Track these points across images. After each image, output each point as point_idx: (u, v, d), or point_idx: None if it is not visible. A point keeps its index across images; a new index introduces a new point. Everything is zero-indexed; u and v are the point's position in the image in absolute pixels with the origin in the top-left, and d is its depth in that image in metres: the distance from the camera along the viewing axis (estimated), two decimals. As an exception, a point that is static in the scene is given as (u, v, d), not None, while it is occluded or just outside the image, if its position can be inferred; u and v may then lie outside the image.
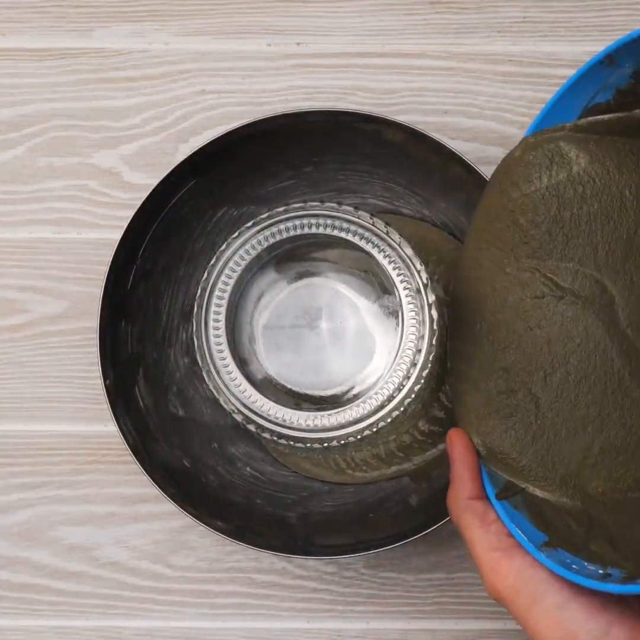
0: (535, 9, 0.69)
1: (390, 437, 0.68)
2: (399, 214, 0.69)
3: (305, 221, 0.62)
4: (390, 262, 0.63)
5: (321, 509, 0.67)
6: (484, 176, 0.62)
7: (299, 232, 0.62)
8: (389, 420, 0.63)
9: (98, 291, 0.63)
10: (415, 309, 0.63)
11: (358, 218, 0.60)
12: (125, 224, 0.63)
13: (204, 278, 0.61)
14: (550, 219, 0.56)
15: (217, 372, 0.62)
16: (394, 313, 0.66)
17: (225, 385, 0.62)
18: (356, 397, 0.65)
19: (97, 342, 0.64)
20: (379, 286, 0.66)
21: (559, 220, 0.56)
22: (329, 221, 0.63)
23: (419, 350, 0.63)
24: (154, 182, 0.63)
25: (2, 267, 0.70)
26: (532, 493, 0.56)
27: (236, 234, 0.60)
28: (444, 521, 0.62)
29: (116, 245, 0.63)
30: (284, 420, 0.62)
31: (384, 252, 0.63)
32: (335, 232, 0.63)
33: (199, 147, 0.63)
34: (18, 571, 0.71)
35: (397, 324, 0.64)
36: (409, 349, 0.63)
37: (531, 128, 0.57)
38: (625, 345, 0.54)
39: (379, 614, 0.70)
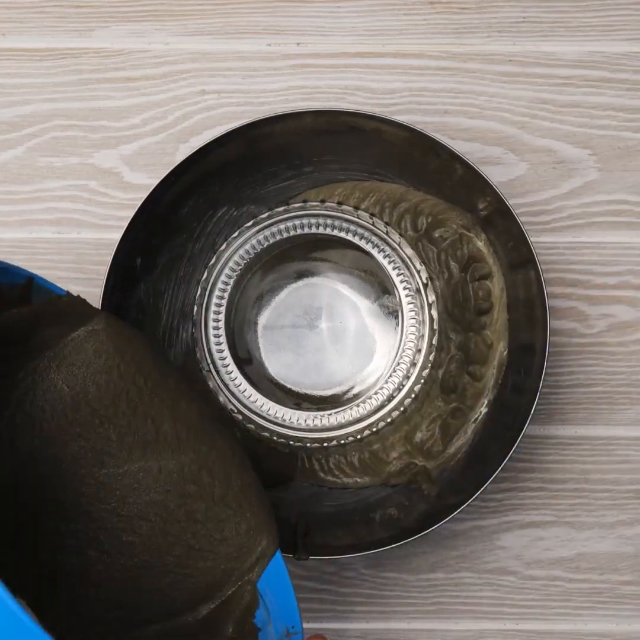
0: (535, 9, 0.69)
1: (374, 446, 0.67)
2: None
3: (305, 221, 0.63)
4: (390, 262, 0.63)
5: (321, 509, 0.67)
6: (484, 176, 0.62)
7: (298, 232, 0.62)
8: (389, 420, 0.64)
9: (98, 291, 0.63)
10: (415, 309, 0.63)
11: (358, 218, 0.60)
12: (125, 224, 0.63)
13: (203, 278, 0.61)
14: None
15: (217, 372, 0.62)
16: (394, 313, 0.66)
17: (225, 385, 0.62)
18: (356, 397, 0.65)
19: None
20: (379, 286, 0.66)
21: None
22: (329, 221, 0.63)
23: (419, 350, 0.63)
24: (154, 182, 0.63)
25: (2, 267, 0.70)
26: None
27: (236, 233, 0.60)
28: (443, 521, 0.62)
29: (116, 246, 0.63)
30: (284, 420, 0.63)
31: (384, 252, 0.63)
32: (335, 232, 0.63)
33: (199, 147, 0.63)
34: (18, 571, 0.71)
35: (397, 324, 0.64)
36: (409, 348, 0.63)
37: None
38: None
39: (378, 614, 0.70)
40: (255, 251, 0.61)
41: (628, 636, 0.69)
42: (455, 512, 0.62)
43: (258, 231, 0.61)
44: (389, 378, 0.63)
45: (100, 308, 0.63)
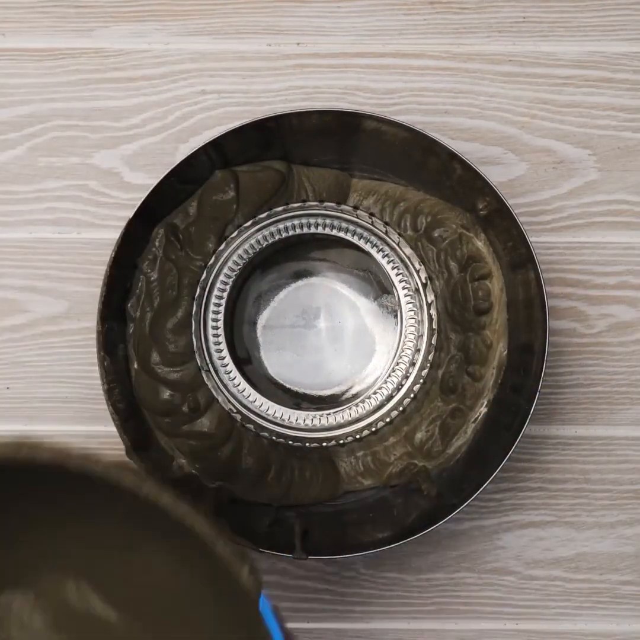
0: (535, 9, 0.69)
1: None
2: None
3: (304, 221, 0.63)
4: (388, 262, 0.63)
5: (321, 509, 0.67)
6: (484, 176, 0.62)
7: (297, 232, 0.62)
8: (388, 420, 0.63)
9: (98, 291, 0.63)
10: (414, 308, 0.63)
11: (357, 218, 0.60)
12: (125, 224, 0.63)
13: (202, 278, 0.61)
14: None
15: (216, 372, 0.62)
16: (393, 312, 0.66)
17: (224, 385, 0.62)
18: (355, 396, 0.65)
19: (96, 342, 0.63)
20: (378, 285, 0.66)
21: None
22: (328, 221, 0.63)
23: (418, 350, 0.63)
24: (154, 182, 0.63)
25: (2, 267, 0.70)
26: None
27: (235, 233, 0.60)
28: (443, 521, 0.62)
29: (116, 245, 0.63)
30: (283, 420, 0.63)
31: (383, 251, 0.63)
32: (334, 232, 0.63)
33: (199, 147, 0.63)
34: (18, 571, 0.71)
35: (396, 324, 0.64)
36: (408, 348, 0.63)
37: None
38: None
39: (379, 614, 0.70)
40: (254, 251, 0.61)
41: (628, 636, 0.69)
42: (455, 512, 0.62)
43: (257, 231, 0.61)
44: (388, 378, 0.63)
45: (100, 308, 0.63)
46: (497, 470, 0.62)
